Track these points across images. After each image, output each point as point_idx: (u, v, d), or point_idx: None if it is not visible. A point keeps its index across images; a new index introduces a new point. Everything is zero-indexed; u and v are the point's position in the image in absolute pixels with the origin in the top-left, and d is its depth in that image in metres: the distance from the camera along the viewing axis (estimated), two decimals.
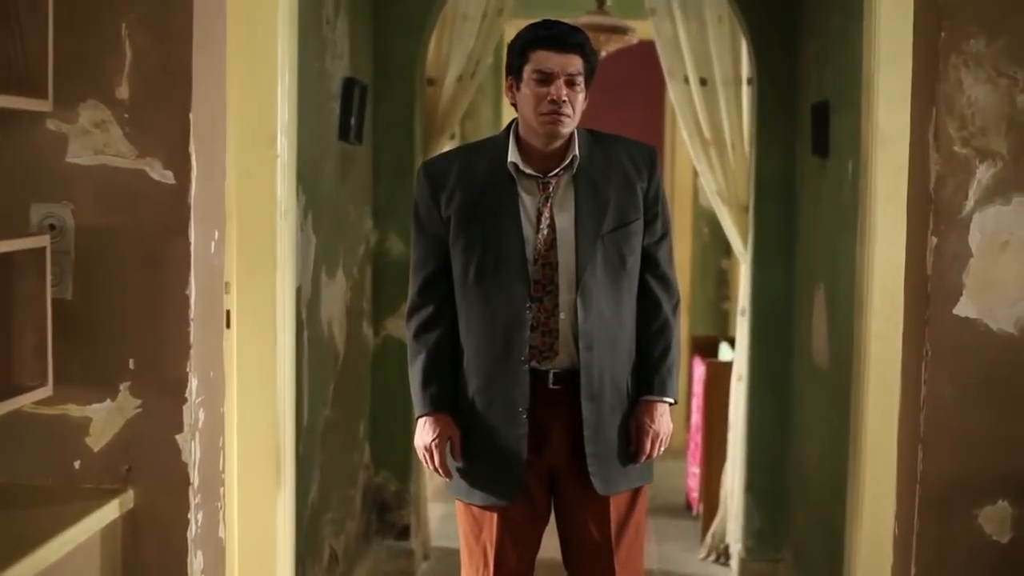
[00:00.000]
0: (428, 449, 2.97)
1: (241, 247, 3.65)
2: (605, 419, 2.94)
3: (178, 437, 2.59)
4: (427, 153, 5.42)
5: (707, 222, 7.80)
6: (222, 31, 2.77)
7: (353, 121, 4.71)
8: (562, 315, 2.89)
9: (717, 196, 5.44)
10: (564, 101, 2.81)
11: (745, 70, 5.36)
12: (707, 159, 5.41)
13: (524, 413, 2.90)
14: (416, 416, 3.01)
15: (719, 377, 5.89)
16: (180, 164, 2.55)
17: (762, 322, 5.28)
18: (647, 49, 6.04)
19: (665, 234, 3.02)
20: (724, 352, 6.43)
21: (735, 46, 5.36)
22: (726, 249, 7.61)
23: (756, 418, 5.33)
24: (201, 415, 2.65)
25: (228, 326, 3.61)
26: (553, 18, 2.97)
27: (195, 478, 2.62)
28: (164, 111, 2.54)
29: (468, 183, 2.92)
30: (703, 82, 5.34)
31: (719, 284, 7.99)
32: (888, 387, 3.59)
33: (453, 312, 2.98)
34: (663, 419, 3.01)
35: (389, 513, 5.49)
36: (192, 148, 2.56)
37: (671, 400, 3.03)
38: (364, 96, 4.87)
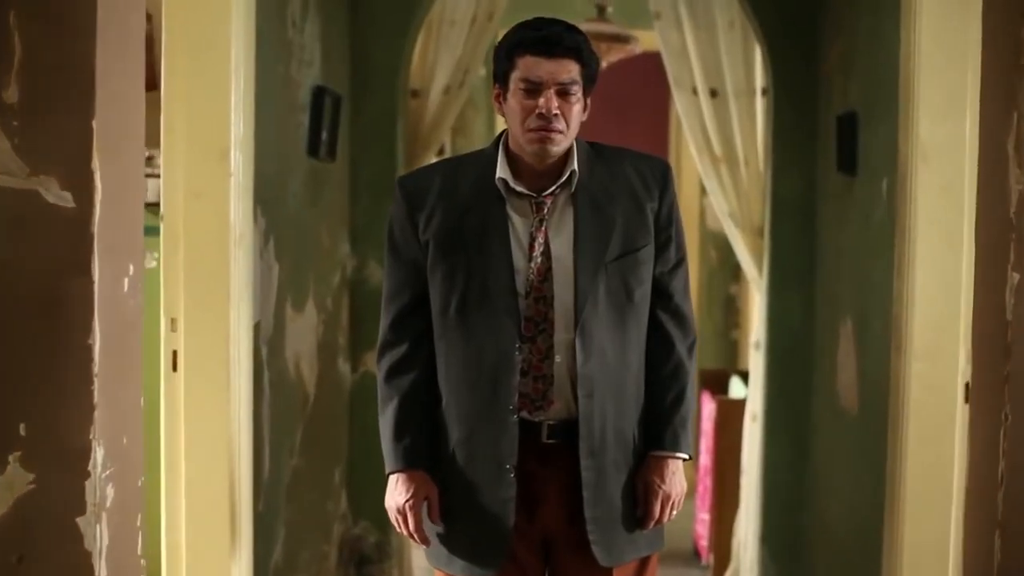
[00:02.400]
0: (401, 511, 2.74)
1: (189, 278, 3.46)
2: (608, 478, 2.71)
3: (79, 520, 2.21)
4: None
5: (715, 244, 7.73)
6: (139, 22, 2.37)
7: (325, 135, 4.45)
8: (557, 358, 2.66)
9: (729, 218, 5.23)
10: (556, 115, 2.59)
11: (759, 79, 5.19)
12: (717, 177, 5.21)
13: (512, 472, 2.67)
14: (387, 472, 2.77)
15: (731, 416, 5.67)
16: (81, 184, 2.17)
17: (779, 357, 5.09)
18: (650, 59, 5.99)
19: (679, 262, 2.79)
20: (735, 387, 6.25)
21: (748, 53, 5.19)
22: (735, 274, 7.50)
23: (772, 462, 5.14)
24: (110, 492, 2.26)
25: (175, 369, 3.49)
26: None
27: (102, 569, 2.24)
28: (62, 119, 2.17)
29: (450, 202, 2.70)
30: (713, 93, 5.18)
31: (728, 311, 7.81)
32: (929, 439, 3.54)
33: (431, 352, 2.75)
34: (675, 478, 2.78)
35: (369, 567, 5.26)
36: (96, 164, 2.18)
37: (685, 456, 2.79)
38: (338, 108, 4.61)
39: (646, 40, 6.01)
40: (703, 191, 7.11)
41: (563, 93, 2.60)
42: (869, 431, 4.10)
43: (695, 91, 5.18)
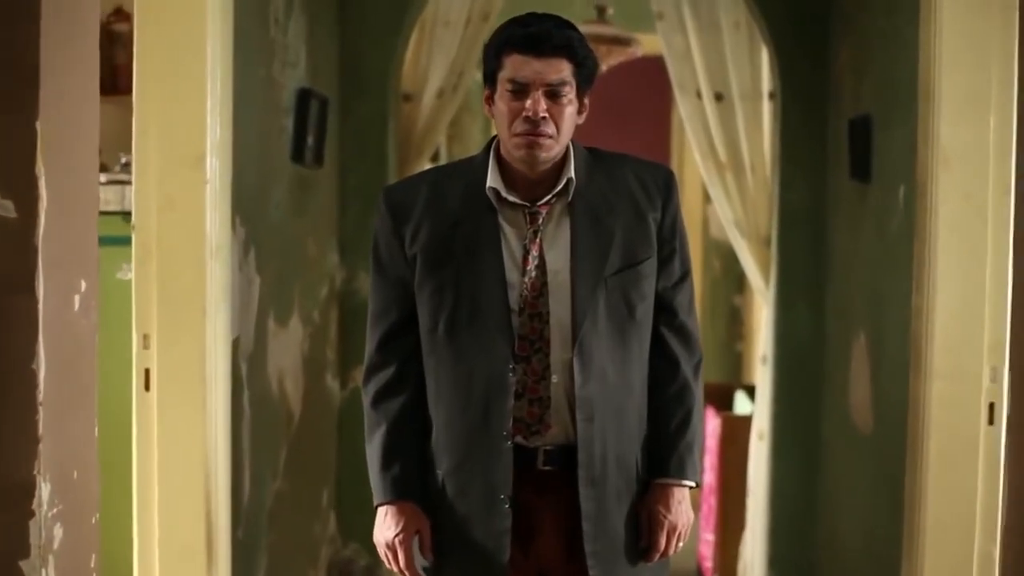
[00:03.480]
0: (391, 546, 2.63)
1: (163, 292, 3.35)
2: (609, 508, 2.60)
3: (23, 564, 2.05)
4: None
5: (718, 254, 7.72)
6: (92, 7, 2.18)
7: (311, 140, 4.30)
8: (554, 378, 2.57)
9: (734, 226, 5.15)
10: (544, 118, 2.48)
11: (766, 82, 5.15)
12: (722, 184, 5.13)
13: (507, 502, 2.56)
14: (375, 504, 2.65)
15: (736, 433, 5.55)
16: (23, 191, 2.01)
17: (787, 372, 5.02)
18: (651, 62, 6.01)
19: (684, 276, 2.70)
20: (741, 403, 6.16)
21: (754, 55, 5.13)
22: (739, 284, 7.48)
23: (780, 482, 5.06)
24: (58, 532, 2.09)
25: (147, 388, 3.40)
26: None
27: None
28: (0, 119, 2.00)
29: (438, 214, 2.60)
30: (718, 97, 5.11)
31: (732, 323, 7.79)
32: (951, 462, 3.41)
33: (420, 374, 2.64)
34: (681, 507, 2.67)
35: None
36: (40, 169, 2.01)
37: (692, 483, 2.69)
38: (324, 111, 4.46)
39: (647, 43, 5.98)
40: (706, 199, 7.10)
41: (553, 94, 2.49)
42: (885, 453, 3.98)
43: (699, 95, 5.12)
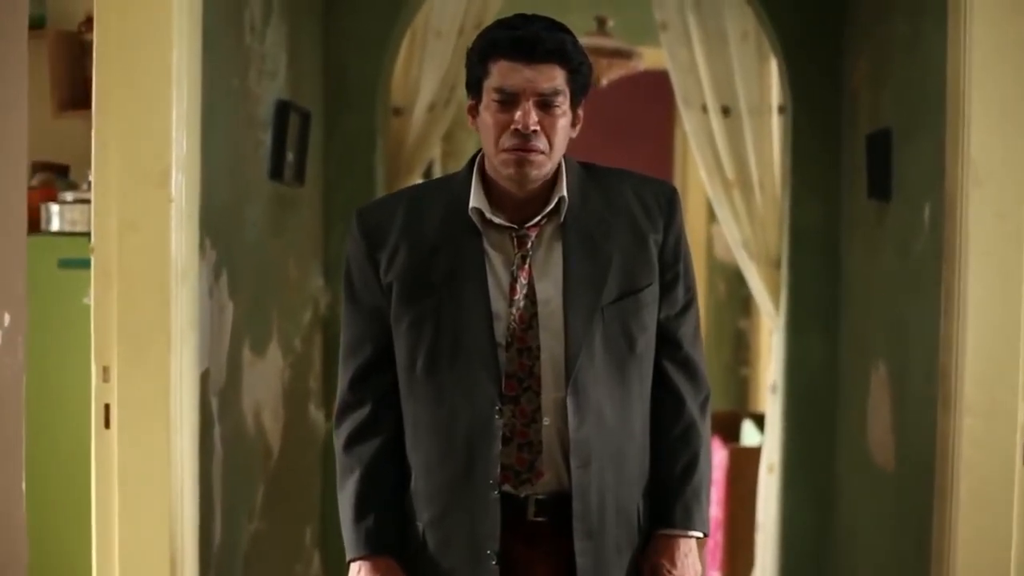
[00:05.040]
0: None
1: (124, 320, 3.14)
2: (608, 562, 2.47)
3: None
4: None
5: (723, 276, 7.69)
6: (21, 16, 1.93)
7: (291, 156, 4.09)
8: (546, 420, 2.42)
9: (742, 248, 5.04)
10: (535, 131, 2.33)
11: (775, 95, 5.06)
12: (729, 203, 5.04)
13: (493, 557, 2.43)
14: (348, 560, 2.52)
15: (744, 465, 5.49)
16: None
17: (799, 402, 4.90)
18: (652, 76, 6.02)
19: (688, 304, 2.56)
20: (748, 433, 6.07)
21: (763, 67, 5.06)
22: (744, 307, 7.48)
23: (791, 519, 4.93)
24: None
25: (107, 425, 3.21)
26: None
27: None
28: None
29: (416, 237, 2.46)
30: (725, 111, 5.03)
31: (737, 347, 7.76)
32: (982, 505, 3.25)
33: (397, 415, 2.50)
34: (688, 560, 2.54)
35: None
36: None
37: (699, 534, 2.55)
38: (306, 125, 4.26)
39: (649, 57, 5.97)
40: (711, 217, 7.11)
41: (545, 105, 2.34)
42: (909, 492, 3.79)
43: (705, 109, 5.04)
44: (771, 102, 5.05)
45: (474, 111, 2.41)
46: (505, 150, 2.35)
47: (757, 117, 5.00)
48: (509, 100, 2.31)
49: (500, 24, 2.37)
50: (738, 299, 7.26)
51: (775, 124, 5.05)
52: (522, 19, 2.34)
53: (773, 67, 4.99)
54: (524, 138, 2.31)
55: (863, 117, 4.43)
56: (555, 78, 2.33)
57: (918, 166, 3.75)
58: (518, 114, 2.31)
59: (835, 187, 4.77)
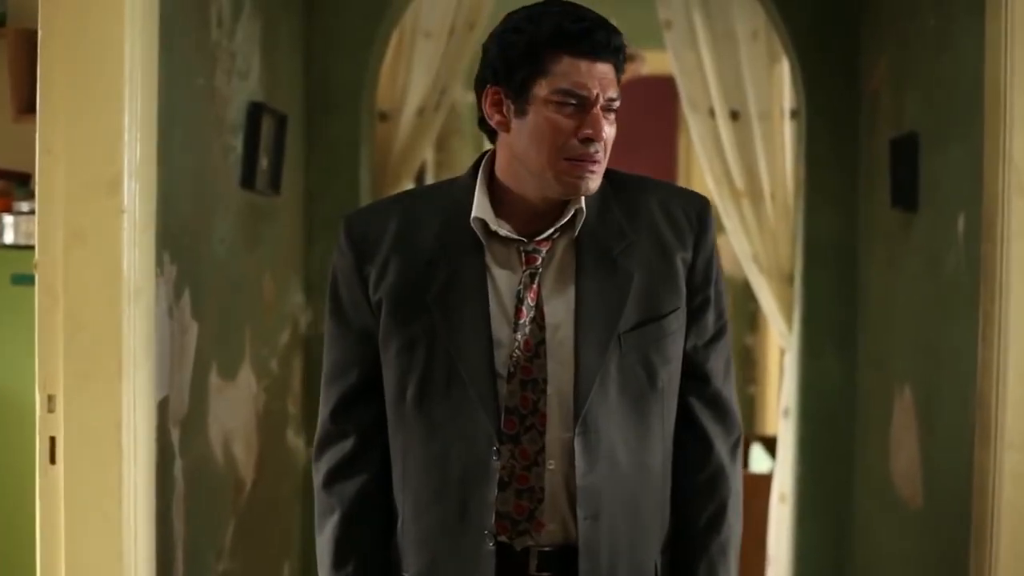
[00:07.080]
0: None
1: (71, 344, 2.94)
2: None
3: None
4: None
5: (728, 289, 7.34)
6: None
7: (265, 162, 3.88)
8: (550, 464, 2.27)
9: (752, 261, 4.99)
10: (603, 140, 2.23)
11: (788, 99, 5.03)
12: (738, 213, 4.98)
13: None
14: None
15: (754, 493, 5.16)
16: None
17: (813, 428, 4.82)
18: (654, 81, 6.09)
19: (719, 333, 2.39)
20: (757, 458, 5.96)
21: (774, 68, 5.02)
22: (751, 322, 7.49)
23: (805, 553, 4.86)
24: None
25: (52, 461, 3.03)
26: None
27: None
28: None
29: (410, 250, 2.30)
30: (734, 115, 4.97)
31: (744, 365, 7.67)
32: None
33: (385, 449, 2.37)
34: None
35: None
36: None
37: None
38: (282, 130, 4.06)
39: (652, 62, 5.95)
40: (719, 229, 6.95)
41: (607, 110, 2.21)
42: (940, 531, 3.63)
43: (712, 113, 5.00)
44: (783, 105, 5.01)
45: (501, 107, 2.23)
46: (571, 159, 2.20)
47: (768, 122, 4.95)
48: (581, 104, 2.16)
49: (553, 12, 2.18)
50: (745, 314, 7.25)
51: (787, 129, 5.00)
52: (578, 10, 2.17)
53: (785, 68, 4.94)
54: (593, 148, 2.19)
55: (884, 121, 4.35)
56: (615, 81, 2.22)
57: (950, 173, 3.62)
58: (590, 119, 2.18)
59: (853, 196, 4.71)
